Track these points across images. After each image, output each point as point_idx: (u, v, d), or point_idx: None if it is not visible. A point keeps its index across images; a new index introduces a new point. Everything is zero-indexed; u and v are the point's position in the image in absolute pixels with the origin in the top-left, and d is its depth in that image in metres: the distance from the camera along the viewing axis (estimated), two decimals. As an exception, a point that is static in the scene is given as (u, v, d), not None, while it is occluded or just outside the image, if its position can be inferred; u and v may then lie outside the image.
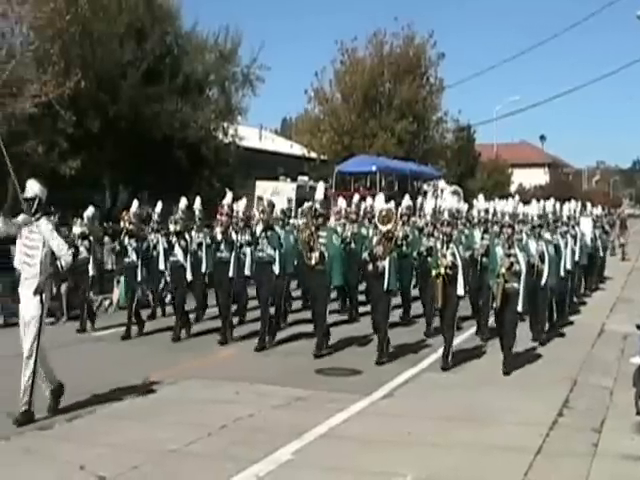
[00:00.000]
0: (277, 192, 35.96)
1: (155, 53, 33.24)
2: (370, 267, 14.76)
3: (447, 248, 14.15)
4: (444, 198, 21.16)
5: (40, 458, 9.21)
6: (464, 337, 17.25)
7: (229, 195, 17.58)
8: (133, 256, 18.31)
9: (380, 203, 15.96)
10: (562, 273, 18.16)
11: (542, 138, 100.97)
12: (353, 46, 47.23)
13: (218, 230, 17.16)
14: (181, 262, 18.08)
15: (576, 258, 20.42)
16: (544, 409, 11.41)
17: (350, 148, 44.67)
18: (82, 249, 19.25)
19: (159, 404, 11.85)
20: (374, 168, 38.78)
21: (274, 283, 16.59)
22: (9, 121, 26.41)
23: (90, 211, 20.41)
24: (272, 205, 17.42)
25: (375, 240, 14.78)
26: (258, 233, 16.81)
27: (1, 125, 26.09)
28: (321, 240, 15.57)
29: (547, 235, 17.54)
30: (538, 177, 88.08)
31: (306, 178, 40.04)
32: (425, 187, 41.45)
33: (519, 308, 14.05)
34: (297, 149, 48.70)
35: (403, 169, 41.49)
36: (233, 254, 17.01)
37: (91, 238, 19.91)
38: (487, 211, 20.31)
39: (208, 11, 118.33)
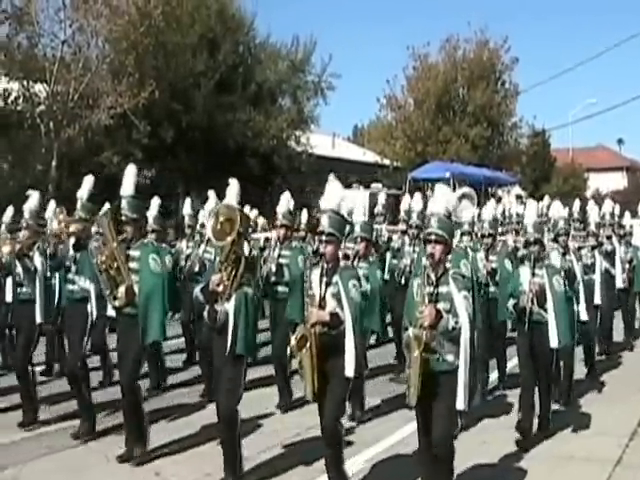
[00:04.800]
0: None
1: (228, 63, 33.57)
2: (205, 314, 8.37)
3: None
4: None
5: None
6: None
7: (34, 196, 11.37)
8: None
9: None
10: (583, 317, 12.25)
11: (620, 141, 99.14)
12: (425, 52, 47.01)
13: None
14: None
15: (619, 283, 16.36)
16: (623, 419, 11.10)
17: (423, 155, 44.41)
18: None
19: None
20: (447, 174, 38.50)
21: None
22: (86, 132, 26.99)
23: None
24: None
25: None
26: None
27: (78, 136, 26.72)
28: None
29: (554, 256, 11.96)
30: (616, 181, 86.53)
31: (379, 185, 39.95)
32: (499, 193, 41.10)
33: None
34: (370, 156, 48.64)
35: (477, 175, 41.10)
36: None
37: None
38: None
39: (281, 20, 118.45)
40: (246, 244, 12.38)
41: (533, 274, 9.96)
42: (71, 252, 10.55)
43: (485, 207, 14.14)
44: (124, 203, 9.18)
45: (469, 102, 46.01)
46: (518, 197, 24.66)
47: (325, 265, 7.75)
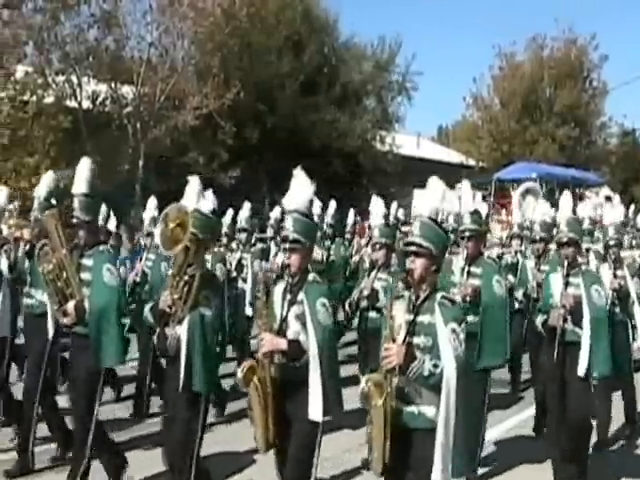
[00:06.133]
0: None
1: (313, 64, 33.73)
2: (154, 339, 6.86)
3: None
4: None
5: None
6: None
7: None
8: None
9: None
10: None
11: None
12: (511, 50, 46.51)
13: None
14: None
15: None
16: None
17: (509, 155, 43.87)
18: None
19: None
20: (534, 175, 37.95)
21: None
22: (172, 133, 27.28)
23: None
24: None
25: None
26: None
27: (164, 137, 27.03)
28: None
29: (604, 272, 9.49)
30: None
31: (464, 186, 39.59)
32: (587, 194, 40.35)
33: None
34: (455, 157, 48.28)
35: (564, 176, 40.41)
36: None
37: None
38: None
39: (365, 20, 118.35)
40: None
41: (567, 283, 7.93)
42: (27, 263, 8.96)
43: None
44: (76, 202, 7.60)
45: (556, 101, 45.40)
46: (607, 198, 24.04)
47: (289, 279, 6.22)
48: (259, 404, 6.04)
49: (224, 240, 13.81)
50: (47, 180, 8.81)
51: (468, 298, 8.17)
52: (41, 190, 8.70)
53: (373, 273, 9.51)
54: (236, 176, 28.88)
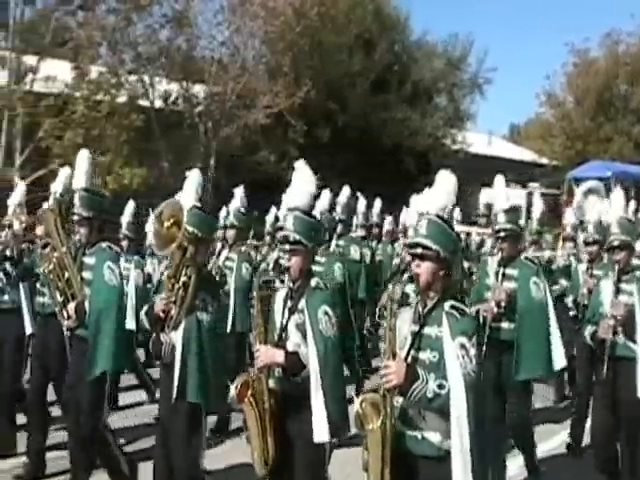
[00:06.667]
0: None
1: (383, 62, 33.63)
2: (151, 344, 6.42)
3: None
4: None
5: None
6: None
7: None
8: None
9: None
10: None
11: None
12: (585, 47, 45.81)
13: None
14: None
15: None
16: None
17: (583, 153, 43.20)
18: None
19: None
20: (609, 173, 37.34)
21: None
22: (243, 132, 27.41)
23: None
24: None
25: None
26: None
27: (235, 136, 27.16)
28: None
29: None
30: None
31: (537, 185, 39.16)
32: (664, 193, 39.59)
33: None
34: (527, 155, 47.72)
35: (640, 174, 39.79)
36: None
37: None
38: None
39: (436, 18, 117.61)
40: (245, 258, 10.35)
41: (618, 291, 7.16)
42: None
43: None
44: (76, 198, 7.25)
45: (632, 98, 44.59)
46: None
47: (291, 285, 5.66)
48: (256, 423, 5.51)
49: (267, 239, 13.85)
50: (63, 176, 8.44)
51: (503, 303, 7.54)
52: (57, 186, 8.37)
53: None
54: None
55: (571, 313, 10.10)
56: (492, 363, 7.44)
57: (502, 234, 7.68)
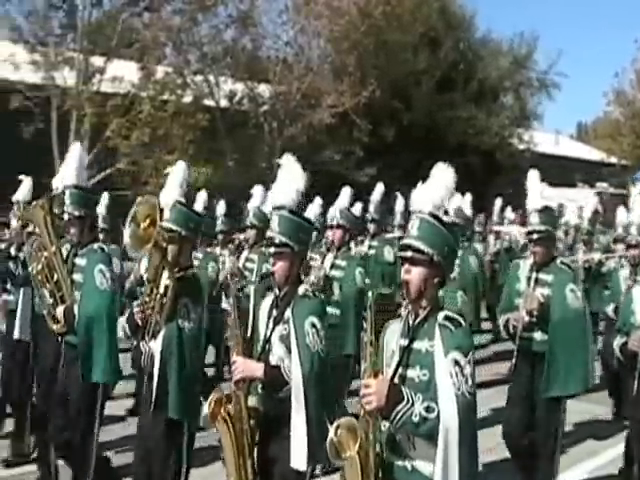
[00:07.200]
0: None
1: (449, 60, 33.45)
2: (132, 353, 6.78)
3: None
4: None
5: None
6: None
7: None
8: None
9: None
10: None
11: None
12: (656, 44, 44.96)
13: None
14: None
15: None
16: None
17: (653, 153, 42.58)
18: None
19: None
20: (679, 173, 36.67)
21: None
22: (308, 131, 27.39)
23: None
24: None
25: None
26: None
27: (300, 135, 27.16)
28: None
29: None
30: None
31: (605, 185, 38.56)
32: None
33: None
34: (595, 154, 47.05)
35: None
36: None
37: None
38: None
39: (502, 16, 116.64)
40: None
41: None
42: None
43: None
44: (67, 196, 6.69)
45: None
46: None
47: (276, 292, 5.14)
48: (231, 446, 4.94)
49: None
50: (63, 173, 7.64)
51: (535, 312, 6.86)
52: (57, 182, 7.57)
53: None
54: (371, 174, 28.81)
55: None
56: (523, 378, 6.97)
57: (535, 236, 6.96)
